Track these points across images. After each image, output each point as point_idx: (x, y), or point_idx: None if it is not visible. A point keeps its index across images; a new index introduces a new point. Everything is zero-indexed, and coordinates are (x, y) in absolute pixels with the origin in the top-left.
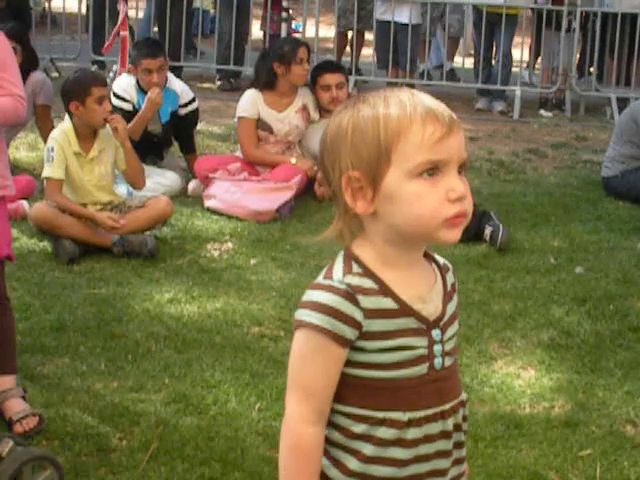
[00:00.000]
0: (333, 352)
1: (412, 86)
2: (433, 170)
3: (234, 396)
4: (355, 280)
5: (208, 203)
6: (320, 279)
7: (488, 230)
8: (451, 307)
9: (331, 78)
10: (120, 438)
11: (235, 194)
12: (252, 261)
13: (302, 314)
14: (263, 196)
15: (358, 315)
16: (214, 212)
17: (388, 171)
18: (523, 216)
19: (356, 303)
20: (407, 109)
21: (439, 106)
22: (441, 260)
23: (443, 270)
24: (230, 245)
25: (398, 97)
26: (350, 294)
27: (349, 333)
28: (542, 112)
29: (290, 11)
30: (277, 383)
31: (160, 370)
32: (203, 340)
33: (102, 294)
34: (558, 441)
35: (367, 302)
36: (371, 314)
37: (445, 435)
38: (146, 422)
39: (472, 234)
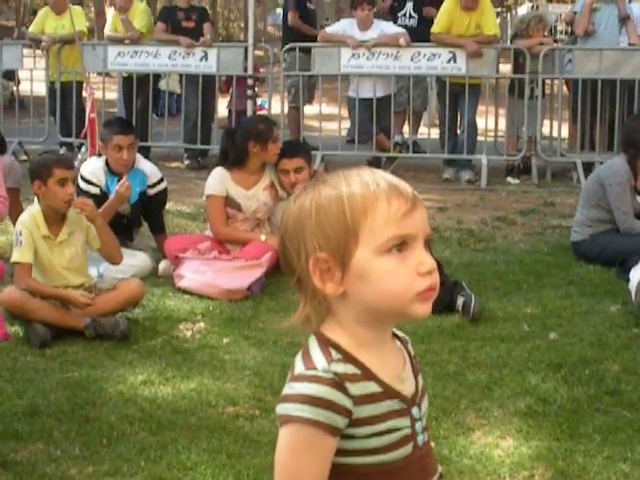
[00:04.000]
0: (326, 443)
1: (379, 159)
2: (401, 245)
3: (211, 477)
4: (340, 367)
5: (179, 283)
6: (302, 370)
7: (460, 300)
8: (421, 380)
9: (289, 163)
10: None
11: (206, 273)
12: (225, 340)
13: (289, 408)
14: (234, 274)
15: (348, 403)
16: (185, 292)
17: (356, 249)
18: (495, 284)
19: (345, 391)
20: (370, 186)
21: (400, 182)
22: (400, 334)
23: (404, 343)
24: (202, 325)
25: (359, 176)
26: (338, 383)
27: (341, 422)
28: (509, 179)
29: (255, 88)
30: (254, 463)
31: (136, 453)
32: (178, 421)
33: (75, 378)
34: None
35: (354, 389)
36: (359, 400)
37: None
38: None
39: (444, 305)
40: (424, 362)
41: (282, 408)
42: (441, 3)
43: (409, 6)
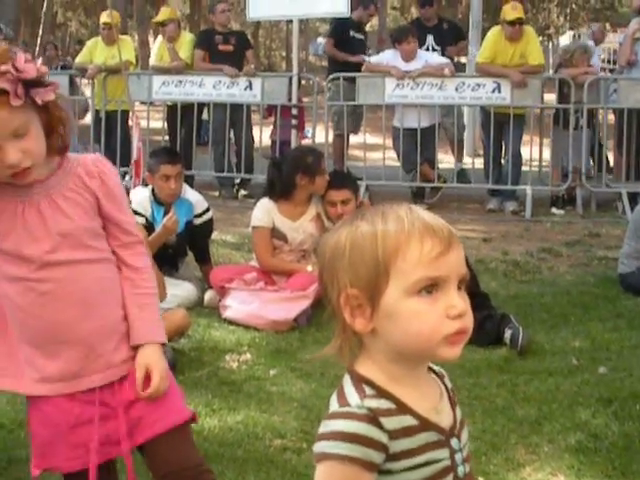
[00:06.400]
0: (364, 479)
1: (423, 190)
2: (432, 287)
3: None
4: (373, 403)
5: (225, 313)
6: (336, 407)
7: (508, 333)
8: (459, 413)
9: (336, 195)
10: None
11: (252, 304)
12: (271, 372)
13: (325, 446)
14: (280, 305)
15: (384, 438)
16: (231, 322)
17: (387, 288)
18: (542, 317)
19: (380, 426)
20: (405, 225)
21: (437, 221)
22: (436, 368)
23: (440, 377)
24: (249, 356)
25: (396, 213)
26: (373, 418)
27: (377, 457)
28: (554, 210)
29: (303, 118)
30: None
31: None
32: (225, 454)
33: None
34: None
35: (389, 423)
36: (395, 434)
37: None
38: None
39: (492, 338)
40: (472, 396)
41: (318, 446)
42: (459, 36)
43: (430, 40)
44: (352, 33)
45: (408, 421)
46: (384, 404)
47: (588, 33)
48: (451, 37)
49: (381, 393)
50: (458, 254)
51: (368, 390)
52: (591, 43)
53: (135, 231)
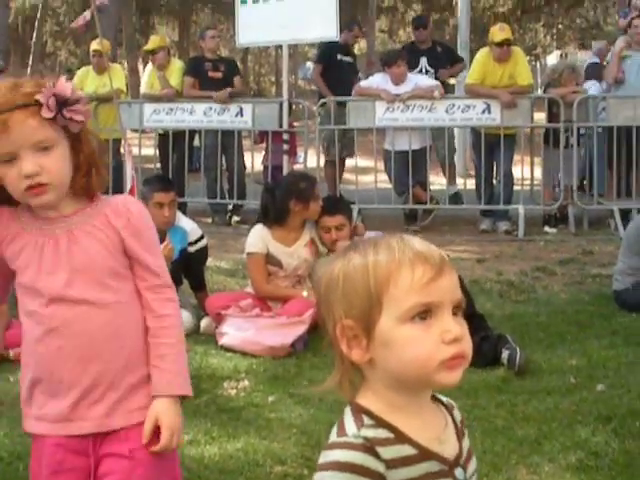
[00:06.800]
0: None
1: (415, 212)
2: (425, 313)
3: None
4: (370, 432)
5: (222, 340)
6: (334, 438)
7: (505, 354)
8: (466, 443)
9: (330, 221)
10: None
11: (248, 330)
12: (270, 398)
13: (324, 476)
14: (277, 331)
15: (381, 467)
16: (228, 349)
17: (380, 317)
18: (538, 336)
19: (377, 456)
20: (395, 253)
21: (429, 248)
22: (444, 399)
23: (449, 409)
24: (247, 382)
25: (387, 243)
26: (369, 447)
27: None
28: (546, 229)
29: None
30: None
31: None
32: None
33: None
34: None
35: (386, 453)
36: (393, 464)
37: None
38: None
39: (490, 359)
40: (471, 417)
41: (317, 477)
42: (454, 59)
43: (423, 62)
44: (340, 57)
45: (407, 450)
46: (382, 433)
47: (594, 51)
48: (445, 60)
49: (379, 423)
50: (450, 279)
51: (367, 420)
52: (596, 60)
53: (164, 274)
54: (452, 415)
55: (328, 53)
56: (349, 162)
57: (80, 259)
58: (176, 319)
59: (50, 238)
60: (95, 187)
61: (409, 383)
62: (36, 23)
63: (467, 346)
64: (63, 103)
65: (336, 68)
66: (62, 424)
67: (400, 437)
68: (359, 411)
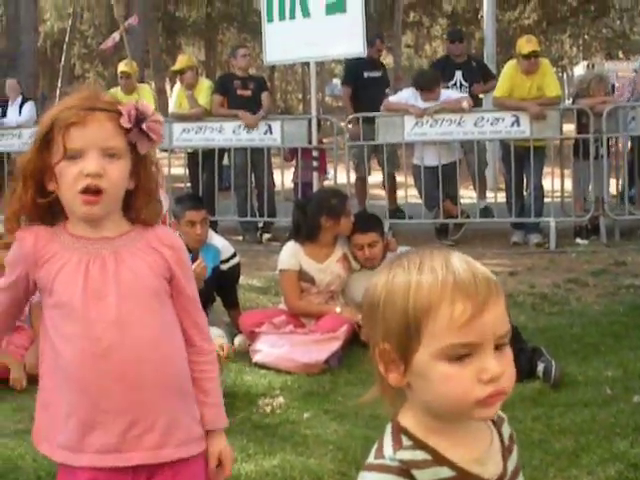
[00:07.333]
0: None
1: (446, 226)
2: (463, 352)
3: None
4: (406, 455)
5: (256, 357)
6: (371, 459)
7: (541, 366)
8: (512, 462)
9: (363, 239)
10: None
11: (282, 347)
12: (305, 415)
13: None
14: (311, 348)
15: None
16: (262, 366)
17: (419, 348)
18: (573, 348)
19: (412, 478)
20: (438, 280)
21: (474, 275)
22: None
23: (497, 424)
24: (282, 399)
25: (431, 265)
26: (404, 470)
27: None
28: (578, 240)
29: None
30: None
31: None
32: None
33: None
34: None
35: (422, 475)
36: None
37: None
38: None
39: (525, 372)
40: None
41: None
42: (488, 75)
43: (458, 75)
44: (366, 74)
45: (445, 472)
46: (419, 455)
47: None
48: (479, 75)
49: (418, 444)
50: (495, 313)
51: (405, 441)
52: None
53: (202, 310)
54: (500, 431)
55: (354, 72)
56: (379, 178)
57: (128, 279)
58: (215, 355)
59: (96, 257)
60: (149, 217)
61: (446, 414)
62: (64, 46)
63: (508, 383)
64: (143, 118)
65: (363, 86)
66: (110, 455)
67: (438, 459)
68: (399, 431)
